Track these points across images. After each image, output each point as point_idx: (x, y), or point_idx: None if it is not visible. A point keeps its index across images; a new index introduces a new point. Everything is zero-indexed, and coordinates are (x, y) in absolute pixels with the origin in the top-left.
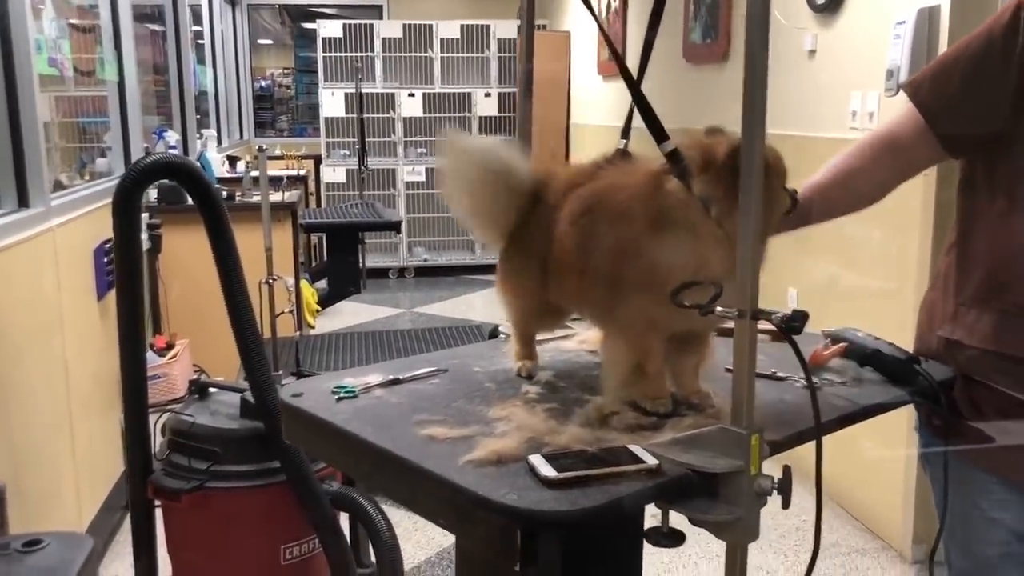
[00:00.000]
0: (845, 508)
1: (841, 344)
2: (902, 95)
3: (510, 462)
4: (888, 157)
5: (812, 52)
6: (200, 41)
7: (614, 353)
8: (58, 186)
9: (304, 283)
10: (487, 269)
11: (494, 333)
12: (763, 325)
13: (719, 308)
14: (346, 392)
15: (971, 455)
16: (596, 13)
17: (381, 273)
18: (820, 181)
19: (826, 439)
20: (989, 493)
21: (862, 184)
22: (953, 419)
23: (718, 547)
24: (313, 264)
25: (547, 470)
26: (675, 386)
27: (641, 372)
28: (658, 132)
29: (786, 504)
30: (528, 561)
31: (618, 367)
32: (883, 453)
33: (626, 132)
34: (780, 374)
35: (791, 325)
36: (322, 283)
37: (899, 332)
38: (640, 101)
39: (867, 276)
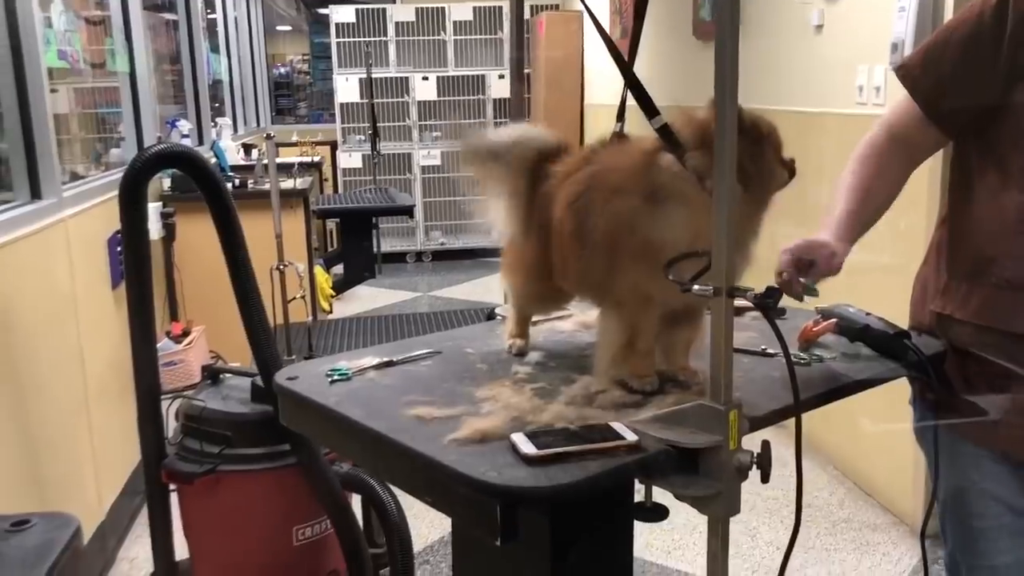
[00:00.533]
0: (856, 483)
1: (831, 320)
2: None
3: (493, 440)
4: (899, 153)
5: (819, 27)
6: (215, 28)
7: (607, 331)
8: (75, 176)
9: (318, 269)
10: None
11: (491, 315)
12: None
13: (696, 286)
14: (339, 374)
15: (963, 429)
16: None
17: (399, 257)
18: (850, 209)
19: (838, 416)
20: (981, 466)
21: (885, 192)
22: (944, 393)
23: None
24: (328, 250)
25: (528, 447)
26: (664, 362)
27: (631, 349)
28: (648, 108)
29: (765, 479)
30: (508, 536)
31: (610, 344)
32: (893, 428)
33: (620, 115)
34: (770, 351)
35: (765, 301)
36: (338, 268)
37: (906, 308)
38: (630, 77)
39: (875, 252)
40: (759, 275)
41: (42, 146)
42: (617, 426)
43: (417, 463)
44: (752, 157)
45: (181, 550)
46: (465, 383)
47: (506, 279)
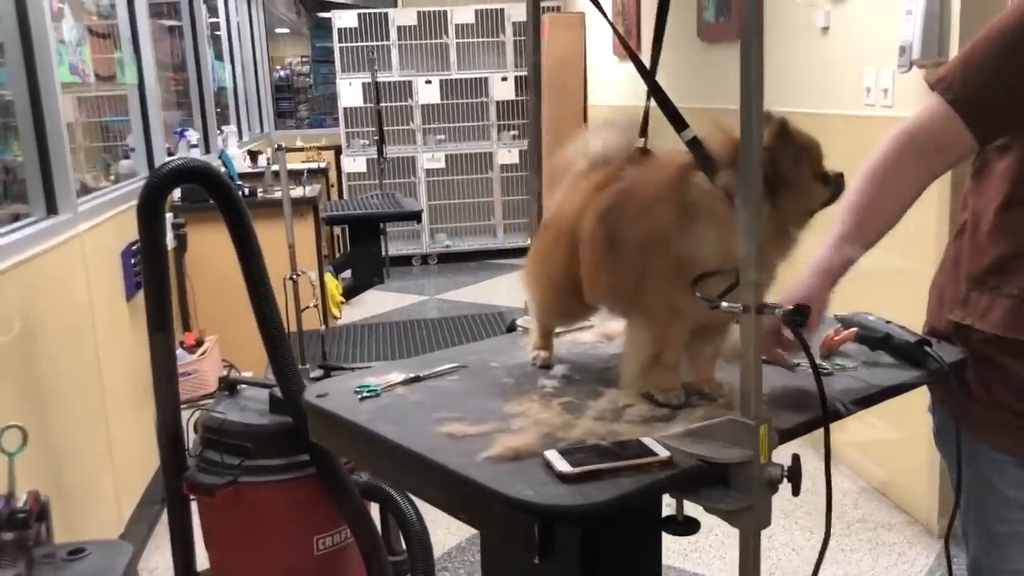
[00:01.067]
0: (871, 484)
1: (852, 329)
2: (915, 73)
3: (526, 457)
4: (922, 162)
5: (825, 29)
6: (216, 32)
7: (635, 343)
8: (84, 188)
9: (328, 276)
10: (509, 253)
11: (511, 327)
12: None
13: (725, 303)
14: (368, 391)
15: (985, 435)
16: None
17: (404, 261)
18: (862, 226)
19: (850, 416)
20: (1003, 472)
21: (906, 198)
22: (965, 400)
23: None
24: (336, 256)
25: (562, 465)
26: (690, 374)
27: (658, 362)
28: (677, 120)
29: (796, 491)
30: (546, 554)
31: (638, 356)
32: (907, 430)
33: (644, 130)
34: (793, 360)
35: (794, 319)
36: (346, 274)
37: (918, 313)
38: (657, 92)
39: (885, 256)
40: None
41: (57, 161)
42: (648, 442)
43: (452, 481)
44: (785, 173)
45: (202, 560)
46: (493, 398)
47: (529, 291)
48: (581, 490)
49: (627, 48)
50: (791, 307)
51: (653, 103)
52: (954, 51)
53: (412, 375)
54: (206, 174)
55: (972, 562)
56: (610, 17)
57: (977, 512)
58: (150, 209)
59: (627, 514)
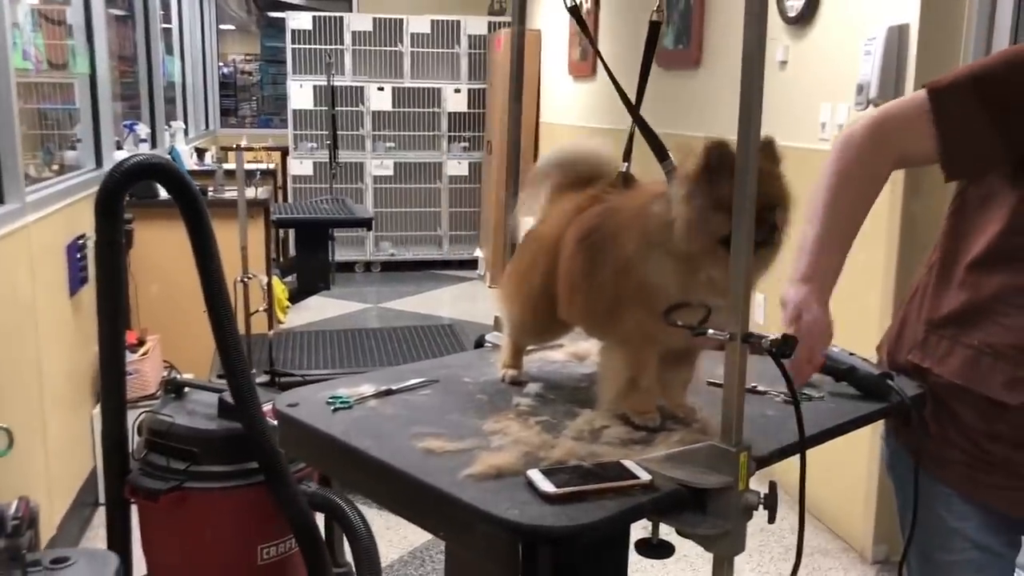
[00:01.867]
0: (807, 509)
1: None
2: (870, 112)
3: (508, 476)
4: (889, 151)
5: (783, 63)
6: (166, 26)
7: (610, 366)
8: (25, 178)
9: (275, 279)
10: (455, 264)
11: (480, 342)
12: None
13: (711, 330)
14: (341, 403)
15: (934, 469)
16: (591, 35)
17: (347, 267)
18: (835, 234)
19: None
20: (950, 505)
21: (868, 204)
22: (922, 434)
23: (691, 550)
24: (281, 259)
25: (546, 485)
26: (663, 399)
27: (634, 386)
28: (658, 150)
29: (771, 519)
30: (528, 573)
31: (615, 380)
32: (844, 457)
33: (627, 156)
34: (760, 388)
35: (781, 350)
36: (291, 278)
37: (863, 341)
38: (641, 124)
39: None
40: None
41: (6, 149)
42: (629, 464)
43: (433, 498)
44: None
45: (139, 566)
46: (469, 414)
47: (505, 307)
48: (565, 511)
49: (618, 89)
50: (778, 337)
51: (619, 126)
52: (910, 91)
53: (384, 388)
54: (169, 172)
55: None
56: (569, 36)
57: (923, 541)
58: (109, 205)
59: (608, 536)
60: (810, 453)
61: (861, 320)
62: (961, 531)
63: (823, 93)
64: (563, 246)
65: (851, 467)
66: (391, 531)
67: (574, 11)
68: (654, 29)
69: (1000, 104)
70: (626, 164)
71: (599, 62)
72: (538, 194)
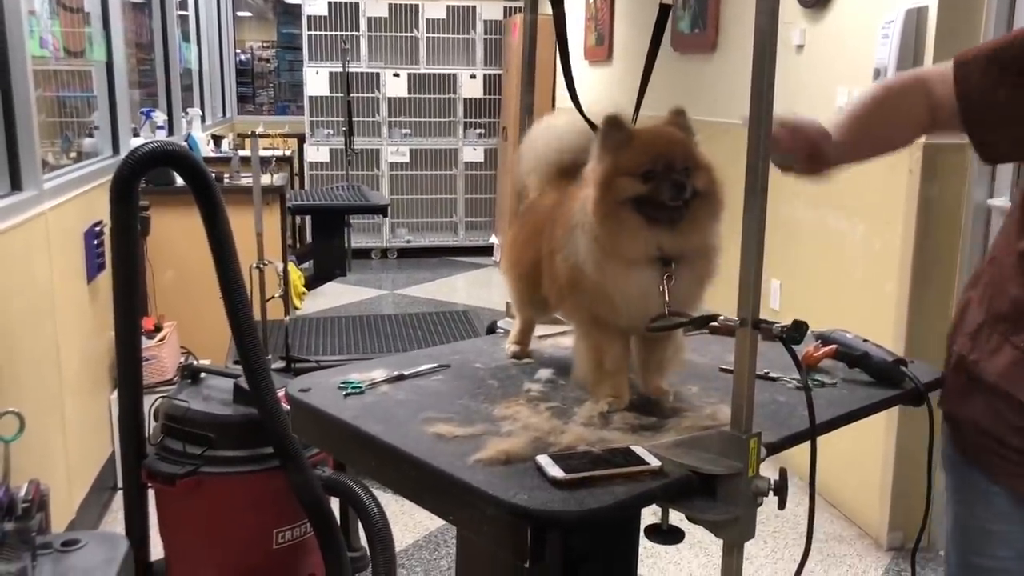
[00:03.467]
0: (823, 496)
1: (832, 346)
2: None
3: (518, 462)
4: (924, 101)
5: (800, 47)
6: (183, 13)
7: (578, 350)
8: (44, 165)
9: (291, 266)
10: (470, 251)
11: (492, 328)
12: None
13: (722, 316)
14: (353, 388)
15: (978, 460)
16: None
17: (364, 254)
18: (849, 116)
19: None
20: (991, 503)
21: (890, 144)
22: (953, 421)
23: (704, 536)
24: (298, 246)
25: (555, 471)
26: (640, 381)
27: (600, 369)
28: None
29: (782, 505)
30: (537, 558)
31: (582, 363)
32: (860, 445)
33: None
34: (772, 374)
35: (792, 336)
36: (308, 264)
37: (878, 326)
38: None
39: (850, 270)
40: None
41: (24, 137)
42: (639, 450)
43: (442, 482)
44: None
45: (156, 550)
46: (479, 400)
47: (506, 277)
48: (574, 496)
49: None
50: (789, 324)
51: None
52: None
53: (396, 373)
54: (184, 159)
55: None
56: (583, 22)
57: (959, 539)
58: (124, 191)
59: (616, 521)
60: (826, 441)
61: (878, 306)
62: (999, 534)
63: (840, 77)
64: (554, 222)
65: (867, 455)
66: (406, 515)
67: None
68: (664, 12)
69: (1019, 71)
70: None
71: (612, 47)
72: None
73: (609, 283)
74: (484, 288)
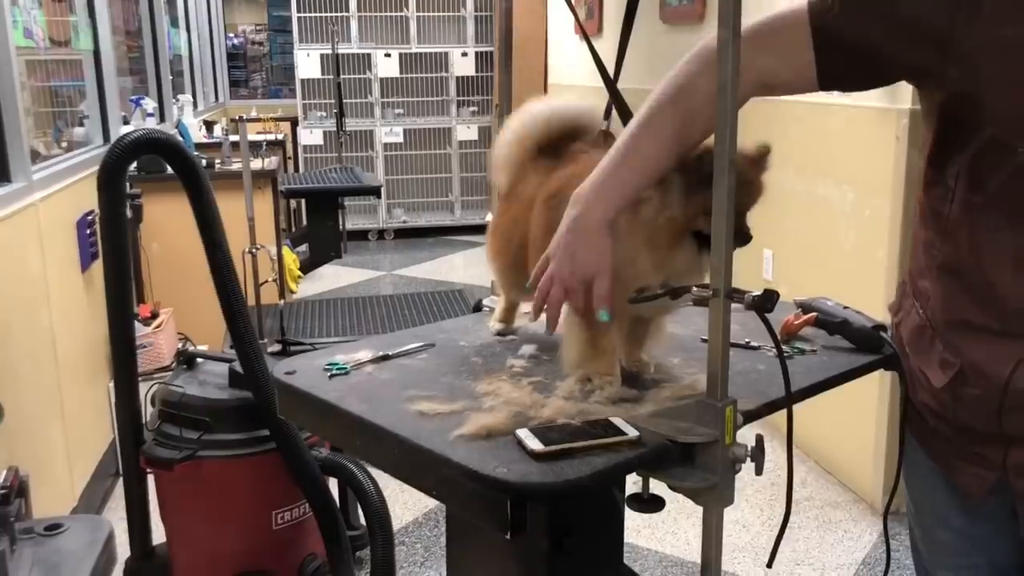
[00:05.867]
0: (819, 463)
1: (811, 314)
2: None
3: (499, 436)
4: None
5: None
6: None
7: (570, 327)
8: (35, 155)
9: (285, 249)
10: (467, 230)
11: (478, 307)
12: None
13: (695, 288)
14: (338, 369)
15: (919, 437)
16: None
17: (361, 235)
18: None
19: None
20: (918, 469)
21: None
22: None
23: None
24: (293, 229)
25: (534, 443)
26: (621, 354)
27: (593, 346)
28: (627, 118)
29: (759, 471)
30: (517, 530)
31: (575, 341)
32: (854, 412)
33: (608, 114)
34: (753, 344)
35: (763, 304)
36: (303, 248)
37: (870, 293)
38: (616, 96)
39: (841, 238)
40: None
41: (11, 128)
42: (617, 421)
43: (424, 458)
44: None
45: (158, 534)
46: (463, 377)
47: (491, 263)
48: (552, 468)
49: (599, 64)
50: (761, 293)
51: (621, 85)
52: None
53: (381, 353)
54: (170, 146)
55: (913, 551)
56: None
57: (909, 507)
58: (111, 180)
59: (596, 491)
60: (820, 409)
61: (869, 273)
62: (928, 504)
63: None
64: (535, 204)
65: (861, 421)
66: (405, 493)
67: None
68: None
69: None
70: (606, 122)
71: (602, 20)
72: (516, 155)
73: (637, 275)
74: (482, 267)
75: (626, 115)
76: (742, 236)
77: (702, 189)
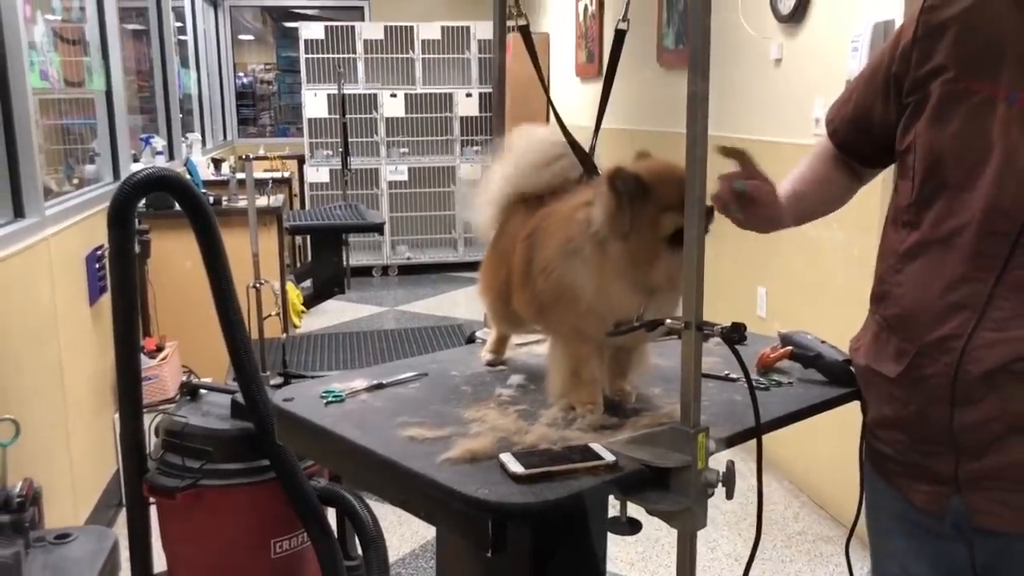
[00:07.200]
0: (811, 498)
1: (787, 348)
2: None
3: (483, 460)
4: (838, 170)
5: (778, 60)
6: (182, 37)
7: (554, 359)
8: (47, 191)
9: (289, 284)
10: (470, 267)
11: (471, 338)
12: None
13: (669, 320)
14: (334, 396)
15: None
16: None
17: (365, 271)
18: (792, 189)
19: (793, 433)
20: (880, 507)
21: (826, 191)
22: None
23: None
24: (298, 265)
25: (516, 467)
26: (604, 383)
27: (577, 377)
28: (587, 166)
29: (729, 495)
30: (498, 548)
31: (559, 372)
32: (845, 446)
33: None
34: (732, 376)
35: (732, 336)
36: (307, 283)
37: (857, 329)
38: (573, 143)
39: (832, 276)
40: (733, 298)
41: (26, 166)
42: (596, 446)
43: (413, 481)
44: (632, 210)
45: (159, 562)
46: (452, 404)
47: (481, 298)
48: (532, 490)
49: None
50: (728, 325)
51: (616, 125)
52: None
53: (375, 382)
54: (178, 184)
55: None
56: (574, 39)
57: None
58: (121, 216)
59: (576, 514)
60: (810, 443)
61: (858, 311)
62: (890, 533)
63: (816, 88)
64: (520, 239)
65: (851, 456)
66: (403, 525)
67: (523, 30)
68: (619, 37)
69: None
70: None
71: (602, 64)
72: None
73: (612, 307)
74: (481, 304)
75: (588, 164)
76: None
77: (634, 205)
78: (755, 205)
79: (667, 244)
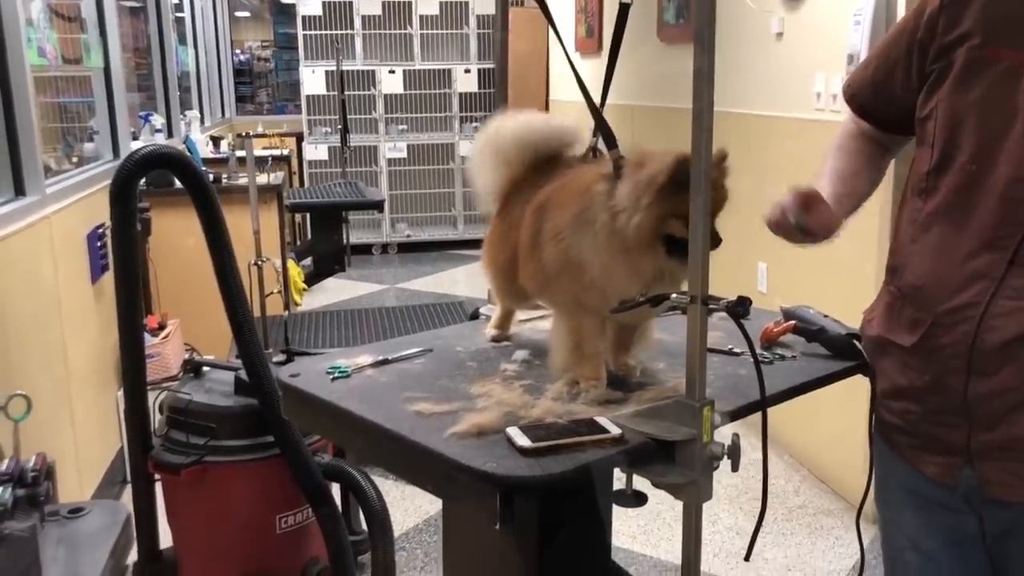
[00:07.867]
0: (812, 471)
1: (791, 322)
2: None
3: (490, 434)
4: (867, 146)
5: (779, 35)
6: (179, 14)
7: (557, 333)
8: (46, 170)
9: (290, 262)
10: (469, 244)
11: (475, 315)
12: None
13: (674, 295)
14: (340, 372)
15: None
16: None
17: (365, 249)
18: (833, 192)
19: (795, 407)
20: (891, 476)
21: (864, 180)
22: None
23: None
24: (298, 243)
25: (522, 440)
26: (609, 359)
27: (579, 352)
28: (608, 140)
29: (735, 468)
30: (506, 521)
31: (562, 346)
32: (847, 421)
33: (596, 132)
34: (736, 350)
35: (737, 310)
36: (307, 261)
37: (859, 304)
38: (598, 118)
39: (833, 251)
40: (735, 274)
41: (26, 144)
42: (602, 420)
43: (421, 455)
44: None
45: (165, 538)
46: (458, 380)
47: (486, 273)
48: (539, 463)
49: (580, 82)
50: (734, 299)
51: (619, 101)
52: None
53: (381, 358)
54: (180, 161)
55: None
56: (573, 14)
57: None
58: (122, 194)
59: (582, 486)
60: (814, 417)
61: (859, 286)
62: (900, 521)
63: (817, 63)
64: (526, 213)
65: (854, 431)
66: (407, 500)
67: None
68: (623, 11)
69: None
70: (595, 139)
71: (602, 39)
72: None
73: (614, 284)
74: (484, 280)
75: (609, 138)
76: (713, 239)
77: (670, 195)
78: (815, 235)
79: (660, 242)
